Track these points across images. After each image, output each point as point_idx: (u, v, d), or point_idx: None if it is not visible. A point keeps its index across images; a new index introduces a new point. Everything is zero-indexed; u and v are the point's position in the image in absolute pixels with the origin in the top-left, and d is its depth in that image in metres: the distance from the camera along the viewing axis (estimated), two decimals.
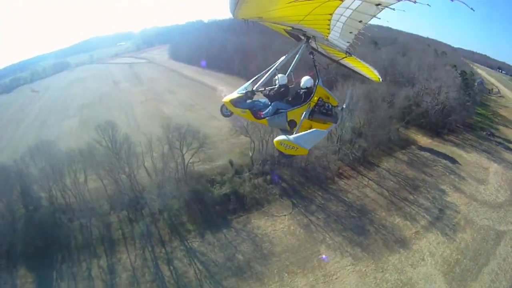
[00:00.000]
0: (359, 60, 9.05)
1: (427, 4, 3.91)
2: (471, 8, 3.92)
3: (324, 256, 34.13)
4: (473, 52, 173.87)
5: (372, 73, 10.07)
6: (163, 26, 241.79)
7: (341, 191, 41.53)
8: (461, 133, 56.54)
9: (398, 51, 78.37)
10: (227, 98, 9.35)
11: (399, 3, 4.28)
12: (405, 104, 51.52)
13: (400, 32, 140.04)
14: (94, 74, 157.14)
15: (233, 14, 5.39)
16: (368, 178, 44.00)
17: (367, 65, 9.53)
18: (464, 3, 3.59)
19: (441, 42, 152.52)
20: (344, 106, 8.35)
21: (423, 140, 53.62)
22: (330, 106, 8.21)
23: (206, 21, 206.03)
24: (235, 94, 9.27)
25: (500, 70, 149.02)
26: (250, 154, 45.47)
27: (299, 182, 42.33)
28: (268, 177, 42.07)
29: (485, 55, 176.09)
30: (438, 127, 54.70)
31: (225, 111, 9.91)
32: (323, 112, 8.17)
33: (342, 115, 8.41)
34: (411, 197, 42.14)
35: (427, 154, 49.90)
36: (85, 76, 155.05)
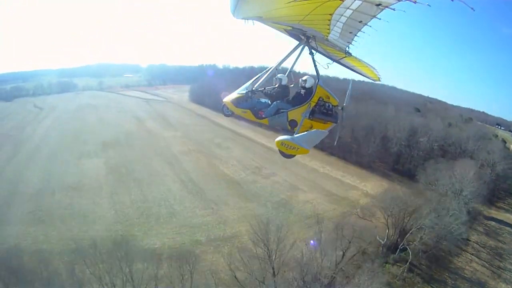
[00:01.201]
0: (359, 59, 9.24)
1: (428, 4, 3.97)
2: (472, 8, 3.86)
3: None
4: (471, 110, 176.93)
5: (372, 73, 10.40)
6: (172, 65, 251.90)
7: (457, 268, 54.07)
8: (505, 199, 73.69)
9: (439, 119, 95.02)
10: (228, 98, 9.67)
11: (399, 3, 4.44)
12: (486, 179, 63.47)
13: (406, 92, 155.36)
14: (107, 103, 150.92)
15: (233, 14, 5.50)
16: (468, 253, 57.73)
17: (366, 64, 9.74)
18: (464, 3, 3.65)
19: (441, 101, 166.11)
20: (344, 105, 8.62)
21: (483, 209, 69.68)
22: (331, 106, 8.46)
23: (220, 66, 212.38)
24: (235, 94, 9.52)
25: (499, 126, 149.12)
26: (382, 242, 55.46)
27: (426, 265, 54.02)
28: (406, 265, 52.75)
29: (483, 112, 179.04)
30: (491, 195, 70.68)
31: (226, 111, 10.17)
32: (323, 112, 8.42)
33: (343, 114, 8.68)
34: (502, 264, 56.24)
35: (493, 223, 65.31)
36: (97, 103, 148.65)
